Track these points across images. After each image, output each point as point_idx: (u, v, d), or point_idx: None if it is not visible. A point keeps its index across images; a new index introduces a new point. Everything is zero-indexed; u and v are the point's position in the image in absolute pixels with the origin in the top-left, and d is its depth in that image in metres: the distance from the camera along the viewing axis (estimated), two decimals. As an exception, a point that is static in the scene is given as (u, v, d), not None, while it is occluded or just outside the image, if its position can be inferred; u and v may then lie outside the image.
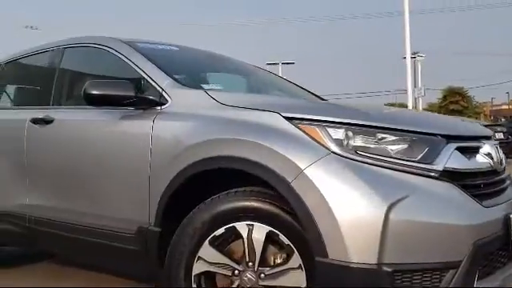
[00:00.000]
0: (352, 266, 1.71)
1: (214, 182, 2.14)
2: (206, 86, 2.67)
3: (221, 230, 2.02)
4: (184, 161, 2.15)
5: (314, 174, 1.80)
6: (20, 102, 3.54)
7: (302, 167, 1.82)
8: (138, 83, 2.52)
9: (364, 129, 1.91)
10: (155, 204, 2.27)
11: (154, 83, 2.49)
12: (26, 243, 3.06)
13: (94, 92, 2.42)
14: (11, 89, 3.69)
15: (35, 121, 2.94)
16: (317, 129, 1.91)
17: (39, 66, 3.41)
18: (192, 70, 2.93)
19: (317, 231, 1.77)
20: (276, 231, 1.96)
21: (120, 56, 2.71)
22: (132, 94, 2.43)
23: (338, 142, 1.87)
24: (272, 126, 1.99)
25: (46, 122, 2.86)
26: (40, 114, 2.94)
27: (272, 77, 3.71)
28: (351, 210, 1.74)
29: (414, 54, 29.42)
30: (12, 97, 3.66)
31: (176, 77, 2.53)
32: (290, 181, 1.83)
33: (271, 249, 2.00)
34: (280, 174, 1.86)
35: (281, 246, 1.98)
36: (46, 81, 3.13)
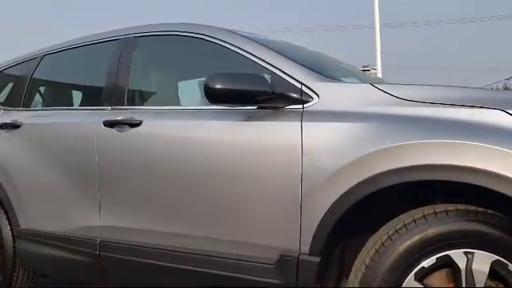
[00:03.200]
0: None
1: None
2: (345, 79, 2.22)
3: (430, 261, 1.59)
4: (362, 172, 1.70)
5: None
6: (73, 101, 2.96)
7: None
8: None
9: None
10: (311, 228, 1.80)
11: (287, 77, 2.02)
12: (94, 275, 2.47)
13: (220, 87, 1.92)
14: (56, 86, 3.09)
15: (111, 123, 2.39)
16: None
17: (97, 59, 2.84)
18: (315, 62, 2.46)
19: None
20: (504, 260, 1.55)
21: (229, 47, 2.21)
22: (267, 89, 1.96)
23: None
24: (498, 126, 1.58)
25: (131, 124, 2.32)
26: (118, 115, 2.39)
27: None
28: None
29: (365, 66, 29.12)
30: (58, 96, 3.06)
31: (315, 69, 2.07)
32: None
33: (490, 282, 1.59)
34: None
35: (503, 278, 1.57)
36: (113, 76, 2.57)
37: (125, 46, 2.59)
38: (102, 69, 2.67)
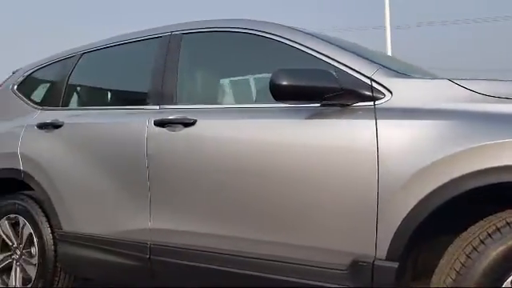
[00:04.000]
0: None
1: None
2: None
3: None
4: (445, 174, 1.61)
5: None
6: (115, 100, 2.88)
7: None
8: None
9: None
10: (388, 234, 1.71)
11: (354, 72, 1.93)
12: (143, 279, 2.39)
13: (286, 83, 1.84)
14: (96, 85, 3.01)
15: (163, 123, 2.30)
16: None
17: (141, 57, 2.76)
18: (379, 58, 2.36)
19: None
20: None
21: (289, 43, 2.11)
22: (335, 85, 1.87)
23: None
24: None
25: (184, 124, 2.24)
26: (169, 114, 2.31)
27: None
28: None
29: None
30: (99, 95, 2.98)
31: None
32: None
33: None
34: None
35: None
36: (159, 74, 2.48)
37: (171, 43, 2.50)
38: (147, 67, 2.59)
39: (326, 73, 1.90)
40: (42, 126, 2.83)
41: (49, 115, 2.87)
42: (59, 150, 2.70)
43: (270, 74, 1.90)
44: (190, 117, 2.23)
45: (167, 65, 2.47)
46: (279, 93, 1.87)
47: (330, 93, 1.87)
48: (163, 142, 2.29)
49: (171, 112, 2.32)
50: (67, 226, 2.64)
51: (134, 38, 2.77)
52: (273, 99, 1.93)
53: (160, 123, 2.31)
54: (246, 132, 2.10)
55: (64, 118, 2.76)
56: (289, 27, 2.22)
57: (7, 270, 2.92)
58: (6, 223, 2.94)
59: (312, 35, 2.14)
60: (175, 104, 2.40)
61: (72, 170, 2.61)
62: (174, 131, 2.26)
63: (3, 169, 2.93)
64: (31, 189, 2.88)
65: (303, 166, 1.91)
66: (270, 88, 1.87)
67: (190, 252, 2.20)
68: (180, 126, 2.25)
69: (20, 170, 2.83)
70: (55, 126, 2.76)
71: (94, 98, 3.05)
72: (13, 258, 2.90)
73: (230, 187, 2.09)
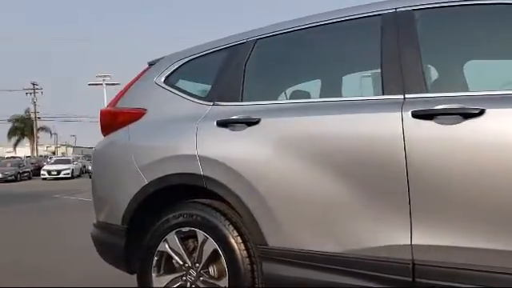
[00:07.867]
0: None
1: None
2: None
3: None
4: None
5: None
6: (319, 91, 2.44)
7: None
8: None
9: None
10: None
11: None
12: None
13: None
14: (291, 75, 2.57)
15: (427, 115, 1.88)
16: None
17: (346, 40, 2.34)
18: None
19: None
20: None
21: None
22: None
23: None
24: None
25: (465, 115, 1.81)
26: (429, 104, 1.89)
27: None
28: None
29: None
30: (296, 86, 2.54)
31: None
32: None
33: None
34: None
35: None
36: (392, 59, 2.06)
37: (399, 21, 2.10)
38: (361, 51, 2.20)
39: None
40: (226, 124, 2.38)
41: (230, 111, 2.43)
42: (259, 151, 2.25)
43: None
44: (475, 106, 1.81)
45: (402, 47, 2.05)
46: None
47: None
48: (432, 138, 1.86)
49: (431, 101, 1.90)
50: (276, 241, 2.19)
51: (327, 20, 2.35)
52: None
53: (422, 115, 1.88)
54: None
55: (258, 114, 2.31)
56: None
57: (176, 292, 2.48)
58: (174, 238, 2.49)
59: None
60: (426, 92, 1.97)
61: (285, 174, 2.15)
62: (448, 124, 1.83)
63: (176, 174, 2.47)
64: (206, 196, 2.45)
65: None
66: None
67: (470, 273, 1.77)
68: (458, 117, 1.82)
69: (200, 175, 2.39)
70: (248, 123, 2.31)
71: (290, 89, 2.59)
72: (185, 280, 2.46)
73: None
